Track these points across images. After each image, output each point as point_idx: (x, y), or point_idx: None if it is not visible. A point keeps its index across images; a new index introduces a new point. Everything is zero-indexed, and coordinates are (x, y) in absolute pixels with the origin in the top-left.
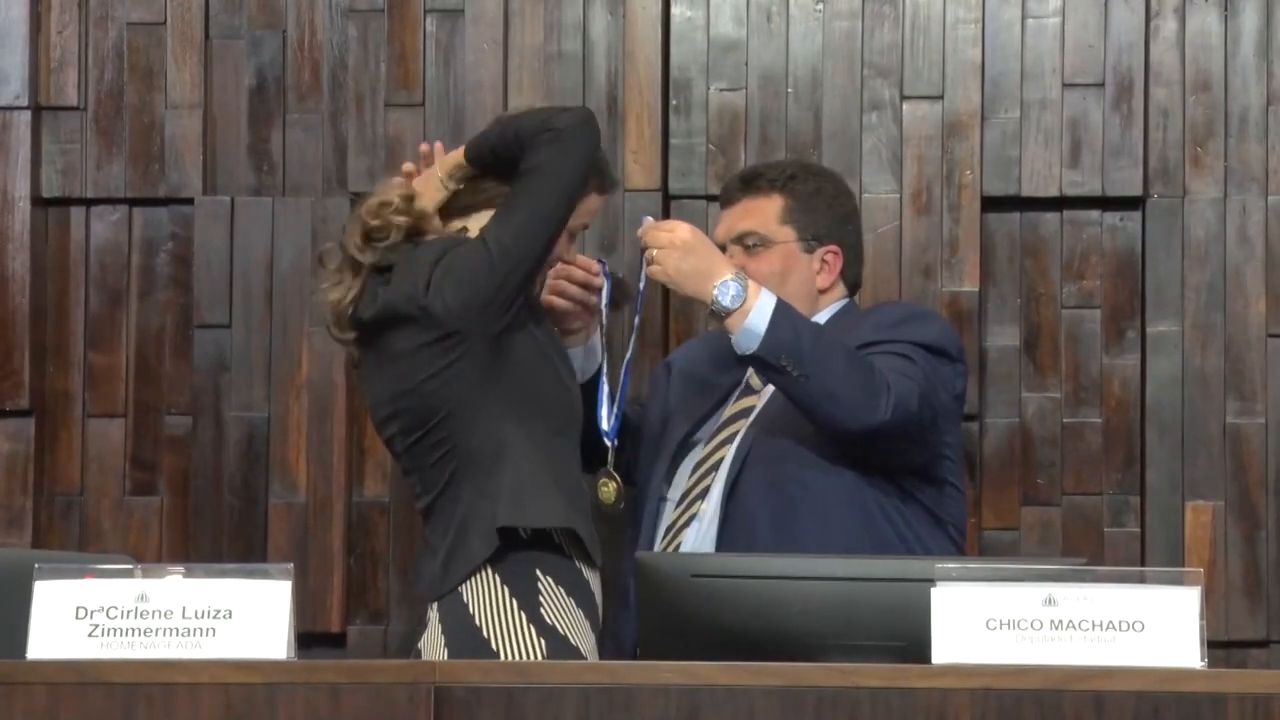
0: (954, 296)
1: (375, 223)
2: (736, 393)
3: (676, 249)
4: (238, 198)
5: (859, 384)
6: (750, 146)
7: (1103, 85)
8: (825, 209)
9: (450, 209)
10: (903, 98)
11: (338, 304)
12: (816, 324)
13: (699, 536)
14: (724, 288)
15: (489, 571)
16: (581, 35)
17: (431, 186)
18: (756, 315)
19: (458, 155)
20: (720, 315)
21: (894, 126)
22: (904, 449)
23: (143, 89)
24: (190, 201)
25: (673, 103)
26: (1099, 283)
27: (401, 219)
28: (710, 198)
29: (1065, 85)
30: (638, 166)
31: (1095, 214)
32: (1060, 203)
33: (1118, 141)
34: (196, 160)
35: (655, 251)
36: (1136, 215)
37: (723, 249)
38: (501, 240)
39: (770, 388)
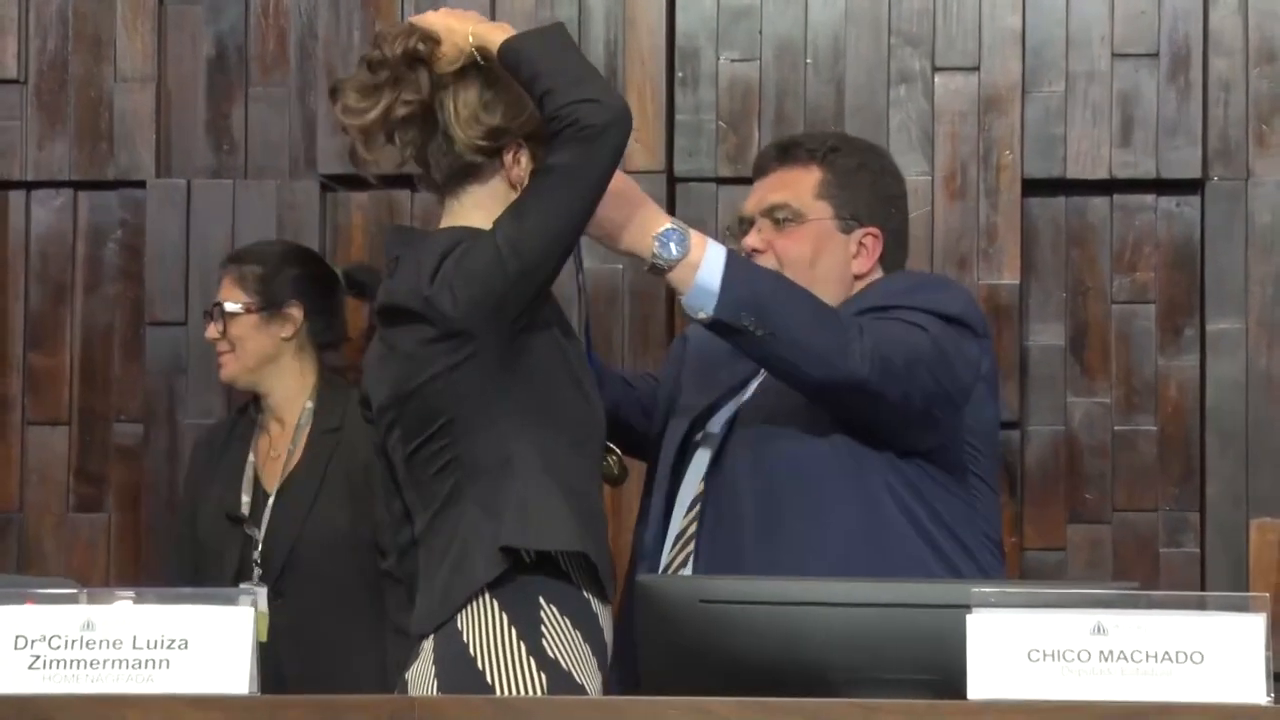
0: (992, 290)
1: (421, 46)
2: (756, 383)
3: (605, 196)
4: (195, 180)
5: (826, 331)
6: (764, 123)
7: (1157, 55)
8: (867, 187)
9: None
10: (934, 69)
11: (372, 123)
12: (772, 271)
13: None
14: (664, 237)
15: (487, 597)
16: (577, 0)
17: (454, 45)
18: (706, 271)
19: (495, 38)
20: (662, 270)
21: (925, 101)
22: (905, 424)
23: (90, 60)
24: (142, 185)
25: (678, 75)
26: (1153, 275)
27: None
28: (720, 180)
29: (1115, 55)
30: (639, 146)
31: (1149, 198)
32: (1110, 186)
33: (1173, 118)
34: (149, 139)
35: None
36: (1195, 200)
37: (751, 223)
38: (514, 241)
39: None
